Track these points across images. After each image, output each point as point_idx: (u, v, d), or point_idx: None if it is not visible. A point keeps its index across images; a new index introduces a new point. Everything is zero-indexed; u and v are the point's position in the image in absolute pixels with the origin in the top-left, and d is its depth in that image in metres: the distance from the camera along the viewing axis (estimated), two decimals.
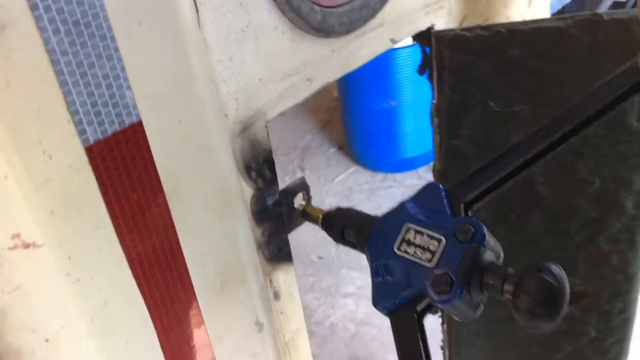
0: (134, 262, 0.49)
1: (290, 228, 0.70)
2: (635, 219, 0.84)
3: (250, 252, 0.62)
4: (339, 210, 0.60)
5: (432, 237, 0.47)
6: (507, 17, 0.86)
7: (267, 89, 0.61)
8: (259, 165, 0.63)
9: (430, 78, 0.83)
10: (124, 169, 0.46)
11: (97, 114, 0.43)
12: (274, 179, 0.65)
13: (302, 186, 0.68)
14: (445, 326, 1.03)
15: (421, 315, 0.47)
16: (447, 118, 0.82)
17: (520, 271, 0.42)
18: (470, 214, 0.49)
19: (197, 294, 0.56)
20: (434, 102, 0.83)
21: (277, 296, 0.71)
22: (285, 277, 0.71)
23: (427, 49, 0.82)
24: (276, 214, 0.66)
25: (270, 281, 0.69)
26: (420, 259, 0.46)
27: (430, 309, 0.47)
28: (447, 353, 1.05)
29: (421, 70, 0.83)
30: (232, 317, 0.61)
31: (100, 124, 0.43)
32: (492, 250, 0.45)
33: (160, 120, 0.48)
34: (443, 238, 0.46)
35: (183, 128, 0.50)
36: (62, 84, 0.41)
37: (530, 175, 0.83)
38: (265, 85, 0.60)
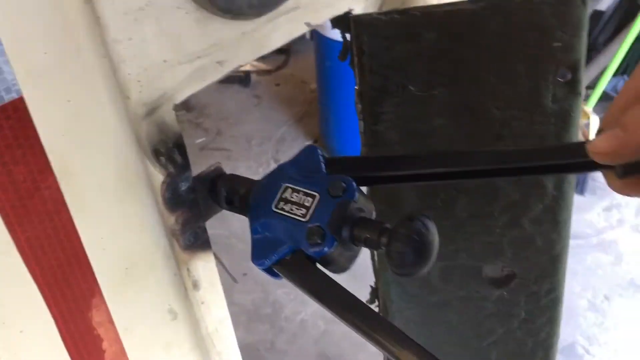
0: (24, 248, 0.47)
1: (207, 216, 0.68)
2: (556, 200, 0.85)
3: (159, 238, 0.60)
4: (223, 177, 0.60)
5: (307, 194, 0.50)
6: (425, 3, 0.87)
7: (173, 71, 0.59)
8: (168, 149, 0.61)
9: (351, 64, 0.83)
10: (5, 149, 0.44)
11: None
12: (186, 165, 0.63)
13: (216, 172, 0.67)
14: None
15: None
16: (369, 104, 0.82)
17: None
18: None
19: (98, 281, 0.54)
20: (356, 87, 0.83)
21: (196, 286, 0.69)
22: (205, 267, 0.69)
23: (348, 35, 0.81)
24: (190, 201, 0.65)
25: (188, 270, 0.67)
26: (296, 214, 0.49)
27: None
28: None
29: (342, 56, 0.83)
30: (140, 306, 0.59)
31: None
32: (363, 206, 0.48)
33: (45, 98, 0.46)
34: (317, 194, 0.49)
35: (73, 107, 0.48)
36: None
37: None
38: (171, 67, 0.59)
